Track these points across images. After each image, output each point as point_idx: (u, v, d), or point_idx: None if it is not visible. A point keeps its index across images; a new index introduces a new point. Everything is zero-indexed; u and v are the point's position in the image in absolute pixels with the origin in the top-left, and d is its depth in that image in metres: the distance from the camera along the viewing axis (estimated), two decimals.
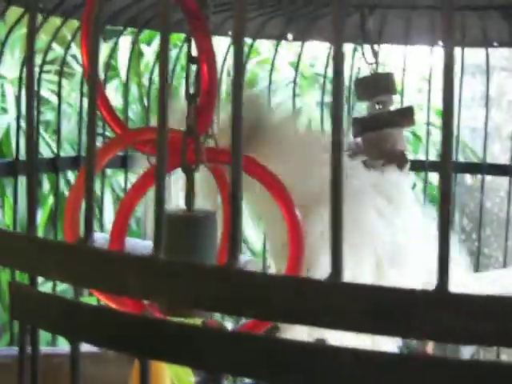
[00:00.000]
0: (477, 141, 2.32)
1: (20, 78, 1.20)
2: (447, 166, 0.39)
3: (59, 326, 0.49)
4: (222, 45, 1.43)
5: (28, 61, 0.51)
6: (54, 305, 0.49)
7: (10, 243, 0.52)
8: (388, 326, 0.40)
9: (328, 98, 2.19)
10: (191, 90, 0.70)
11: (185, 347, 0.43)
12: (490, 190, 2.32)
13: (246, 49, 1.70)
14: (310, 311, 0.41)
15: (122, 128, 0.77)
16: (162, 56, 0.44)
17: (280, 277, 0.41)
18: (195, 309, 0.47)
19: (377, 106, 1.25)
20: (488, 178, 2.26)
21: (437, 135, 2.46)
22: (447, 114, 0.39)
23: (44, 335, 1.34)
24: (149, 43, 2.30)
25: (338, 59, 0.40)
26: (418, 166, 1.56)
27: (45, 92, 2.00)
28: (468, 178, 2.39)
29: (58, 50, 2.03)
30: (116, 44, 1.38)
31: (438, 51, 1.47)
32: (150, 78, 1.35)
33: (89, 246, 0.47)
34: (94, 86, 0.49)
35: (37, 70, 1.85)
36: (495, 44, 1.43)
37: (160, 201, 0.45)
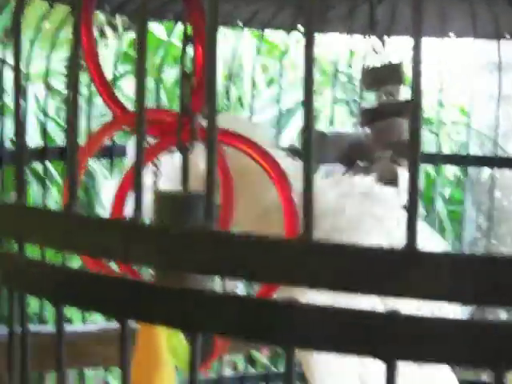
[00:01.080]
0: (490, 139, 2.31)
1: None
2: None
3: (44, 289, 0.50)
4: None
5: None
6: (38, 269, 0.50)
7: None
8: (362, 286, 0.40)
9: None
10: (187, 70, 0.70)
11: (164, 307, 0.44)
12: (506, 187, 2.30)
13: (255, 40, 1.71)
14: (285, 270, 0.41)
15: (121, 108, 0.78)
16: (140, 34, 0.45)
17: (258, 237, 0.42)
18: (178, 271, 0.48)
19: (385, 97, 1.25)
20: (505, 175, 2.25)
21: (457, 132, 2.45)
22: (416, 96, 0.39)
23: (32, 309, 1.35)
24: None
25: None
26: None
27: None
28: (484, 175, 2.37)
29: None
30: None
31: (451, 43, 1.47)
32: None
33: (75, 212, 0.48)
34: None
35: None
36: (507, 36, 1.43)
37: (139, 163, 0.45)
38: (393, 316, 0.38)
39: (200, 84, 0.72)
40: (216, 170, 0.42)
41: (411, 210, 0.39)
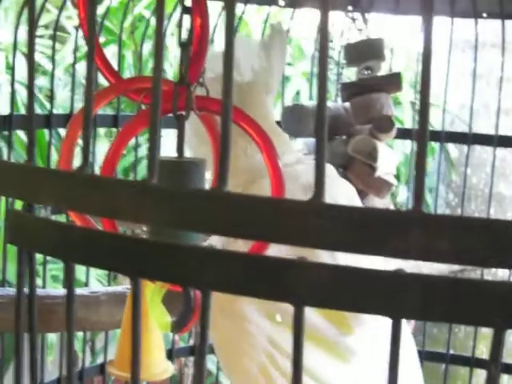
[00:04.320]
0: (465, 116, 2.35)
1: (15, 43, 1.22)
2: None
3: (54, 248, 0.52)
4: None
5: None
6: (49, 229, 0.51)
7: (9, 173, 0.55)
8: (365, 246, 0.42)
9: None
10: (184, 39, 0.72)
11: (172, 265, 0.46)
12: (476, 166, 2.35)
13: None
14: (295, 231, 0.43)
15: (116, 77, 0.79)
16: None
17: (265, 198, 0.44)
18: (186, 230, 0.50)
19: (365, 72, 1.28)
20: (475, 153, 2.30)
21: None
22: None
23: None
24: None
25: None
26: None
27: (38, 57, 2.01)
28: (453, 151, 2.42)
29: (53, 12, 2.04)
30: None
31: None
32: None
33: (85, 173, 0.49)
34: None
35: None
36: (484, 15, 1.45)
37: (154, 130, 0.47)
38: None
39: (197, 54, 0.73)
40: (230, 134, 0.44)
41: (419, 176, 0.41)
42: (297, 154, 1.09)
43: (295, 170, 1.02)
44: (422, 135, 0.42)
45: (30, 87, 0.56)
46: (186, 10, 0.72)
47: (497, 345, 0.41)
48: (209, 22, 0.75)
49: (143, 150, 1.84)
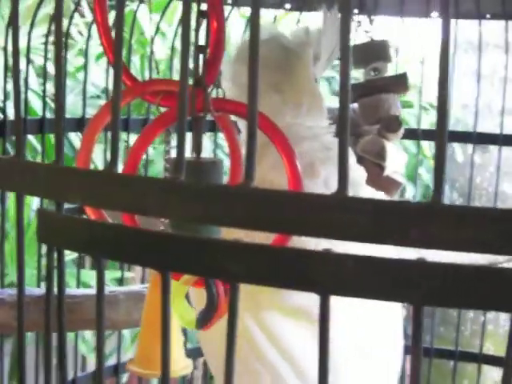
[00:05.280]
0: (467, 117, 2.37)
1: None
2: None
3: (85, 245, 0.54)
4: None
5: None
6: (79, 226, 0.53)
7: (37, 173, 0.57)
8: (389, 237, 0.44)
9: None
10: (201, 42, 0.74)
11: (199, 258, 0.48)
12: (480, 165, 2.37)
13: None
14: (320, 223, 0.45)
15: (132, 80, 0.81)
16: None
17: (291, 192, 0.46)
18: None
19: (372, 73, 1.30)
20: (479, 152, 2.31)
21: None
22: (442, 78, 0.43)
23: None
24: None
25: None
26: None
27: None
28: (458, 155, 2.44)
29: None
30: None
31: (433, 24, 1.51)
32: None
33: (114, 172, 0.51)
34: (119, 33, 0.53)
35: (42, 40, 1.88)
36: (488, 16, 1.47)
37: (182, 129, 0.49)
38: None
39: (213, 57, 0.75)
40: (257, 134, 0.46)
41: (439, 171, 0.43)
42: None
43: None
44: (440, 133, 0.44)
45: (57, 94, 0.58)
46: (202, 13, 0.74)
47: None
48: (225, 26, 0.77)
49: (151, 151, 1.85)
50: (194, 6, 0.73)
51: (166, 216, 0.51)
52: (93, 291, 1.20)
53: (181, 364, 0.80)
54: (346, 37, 0.44)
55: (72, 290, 1.08)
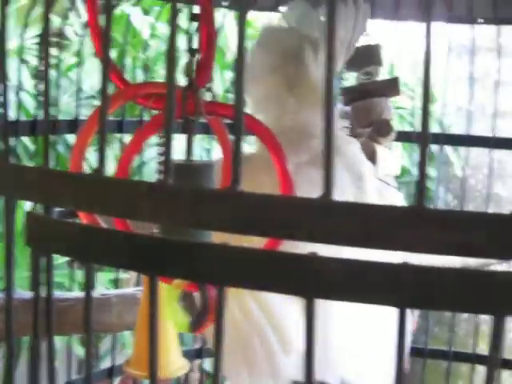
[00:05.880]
0: (461, 120, 2.37)
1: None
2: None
3: (74, 249, 0.54)
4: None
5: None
6: (68, 230, 0.54)
7: (27, 176, 0.57)
8: (375, 240, 0.44)
9: None
10: (192, 45, 0.74)
11: (189, 262, 0.48)
12: (474, 167, 2.37)
13: None
14: (307, 227, 0.45)
15: (124, 83, 0.82)
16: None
17: (277, 196, 0.46)
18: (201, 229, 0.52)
19: (364, 77, 1.30)
20: (472, 155, 2.32)
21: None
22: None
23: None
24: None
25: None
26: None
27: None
28: (450, 153, 2.44)
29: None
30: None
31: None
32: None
33: (102, 175, 0.52)
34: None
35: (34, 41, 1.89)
36: (480, 21, 1.48)
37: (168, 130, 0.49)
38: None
39: (205, 60, 0.76)
40: (242, 138, 0.47)
41: (421, 175, 0.44)
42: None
43: None
44: (423, 138, 0.45)
45: (46, 96, 0.58)
46: (193, 17, 0.74)
47: (497, 333, 0.43)
48: (216, 29, 0.78)
49: (145, 154, 1.85)
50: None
51: (156, 220, 0.51)
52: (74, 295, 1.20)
53: (177, 364, 0.80)
54: (331, 31, 0.45)
55: (64, 293, 1.09)
